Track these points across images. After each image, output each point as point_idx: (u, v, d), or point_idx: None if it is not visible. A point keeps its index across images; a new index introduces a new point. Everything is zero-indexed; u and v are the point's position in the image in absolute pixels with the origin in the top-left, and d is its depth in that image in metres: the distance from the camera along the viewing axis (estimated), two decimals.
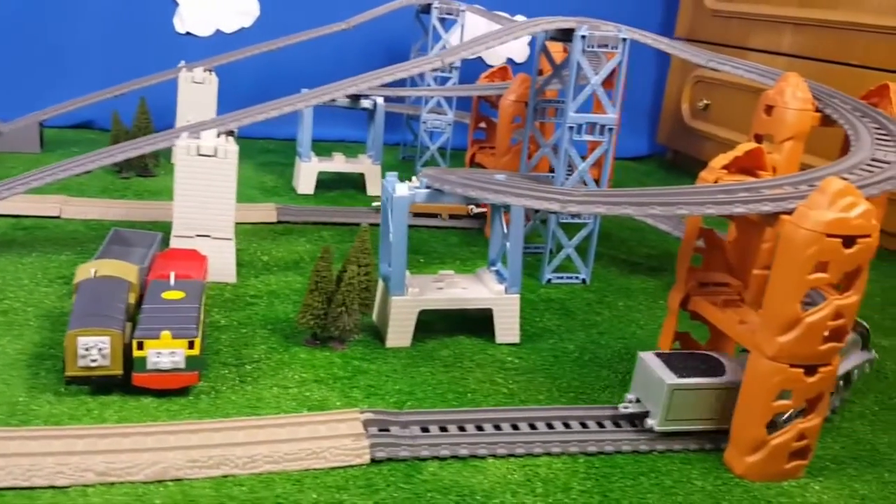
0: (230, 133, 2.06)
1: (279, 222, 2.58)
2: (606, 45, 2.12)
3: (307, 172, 2.94)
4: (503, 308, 1.86)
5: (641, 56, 4.06)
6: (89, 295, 1.54)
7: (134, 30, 3.51)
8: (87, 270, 1.64)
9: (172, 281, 1.66)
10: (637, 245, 2.73)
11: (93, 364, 1.42)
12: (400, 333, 1.80)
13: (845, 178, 1.52)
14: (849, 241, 1.30)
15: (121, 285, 1.60)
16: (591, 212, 1.46)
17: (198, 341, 1.48)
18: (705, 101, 3.63)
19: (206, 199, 1.99)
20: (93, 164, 2.00)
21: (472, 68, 3.63)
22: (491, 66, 3.71)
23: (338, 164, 2.99)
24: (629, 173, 3.84)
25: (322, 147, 3.53)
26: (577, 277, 2.33)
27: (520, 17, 3.87)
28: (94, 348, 1.42)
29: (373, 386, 1.62)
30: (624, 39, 2.12)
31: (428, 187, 1.77)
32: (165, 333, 1.46)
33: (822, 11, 2.92)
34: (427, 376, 1.68)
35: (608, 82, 2.21)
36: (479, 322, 1.91)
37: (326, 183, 3.03)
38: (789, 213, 1.36)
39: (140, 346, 1.45)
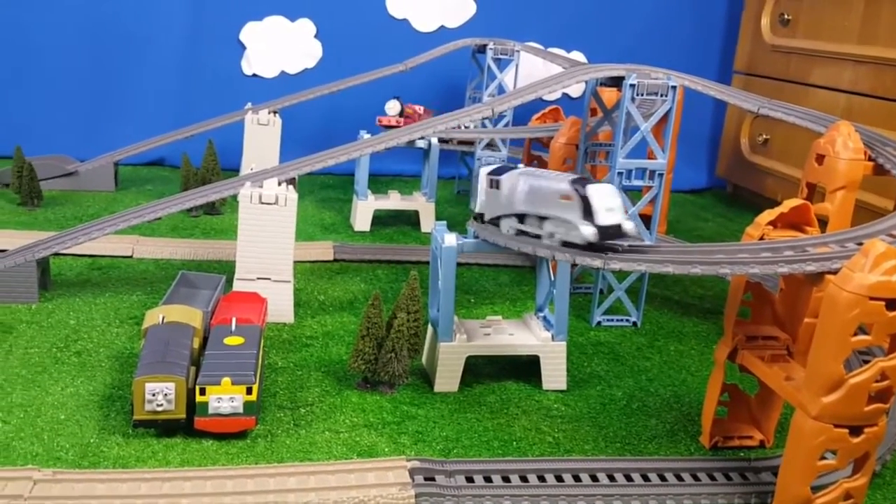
0: (291, 181, 2.16)
1: (336, 260, 2.68)
2: (656, 93, 2.14)
3: (364, 210, 3.03)
4: (550, 355, 1.89)
5: None
6: (157, 341, 1.64)
7: (204, 72, 3.69)
8: (156, 316, 1.74)
9: (233, 326, 1.75)
10: (691, 285, 2.72)
11: (158, 408, 1.52)
12: (448, 378, 1.85)
13: (893, 235, 1.52)
14: (892, 303, 1.29)
15: (186, 331, 1.70)
16: (633, 269, 1.48)
17: (255, 387, 1.56)
18: (765, 136, 3.59)
19: (267, 244, 2.09)
20: (163, 212, 2.13)
21: (526, 104, 3.69)
22: (547, 102, 3.77)
23: (393, 201, 3.08)
24: (687, 207, 3.81)
25: (380, 182, 3.64)
26: (627, 320, 2.34)
27: (576, 54, 3.93)
28: (160, 394, 1.51)
29: (420, 432, 1.67)
30: (673, 87, 2.14)
31: (476, 237, 1.83)
32: (226, 380, 1.54)
33: (882, 49, 2.87)
34: (473, 423, 1.73)
35: (659, 126, 2.24)
36: (526, 366, 1.95)
37: (382, 219, 3.12)
38: (834, 272, 1.36)
39: (202, 392, 1.54)
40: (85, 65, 3.61)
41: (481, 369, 1.96)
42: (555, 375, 1.90)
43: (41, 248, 2.09)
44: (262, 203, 2.06)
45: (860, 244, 1.48)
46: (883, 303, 1.29)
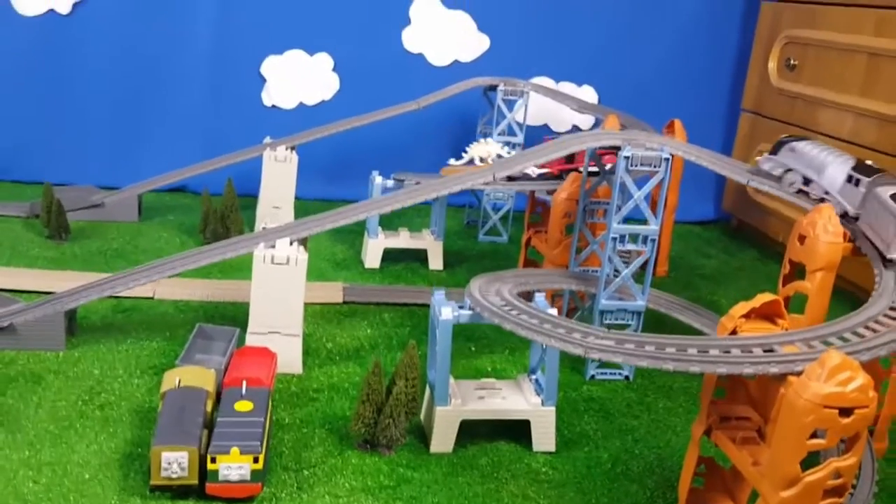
0: (302, 241, 2.28)
1: (345, 303, 2.81)
2: (650, 164, 2.24)
3: (374, 248, 3.16)
4: (539, 420, 2.01)
5: (710, 119, 4.13)
6: (173, 407, 1.78)
7: (227, 103, 3.84)
8: (172, 379, 1.89)
9: (244, 390, 1.89)
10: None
11: (173, 476, 1.66)
12: (443, 440, 1.98)
13: (857, 333, 1.62)
14: (846, 411, 1.40)
15: (199, 395, 1.84)
16: (611, 360, 1.61)
17: (262, 456, 1.70)
18: None
19: (278, 301, 2.22)
20: (182, 267, 2.26)
21: (537, 139, 3.79)
22: (557, 133, 3.87)
23: (403, 239, 3.21)
24: (692, 241, 3.90)
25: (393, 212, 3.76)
26: (620, 374, 2.45)
27: (587, 89, 4.02)
28: (174, 462, 1.65)
29: (414, 497, 1.80)
30: (666, 159, 2.23)
31: (471, 309, 1.95)
32: (234, 449, 1.68)
33: (883, 105, 2.93)
34: (464, 487, 1.85)
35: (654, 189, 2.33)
36: (519, 425, 2.07)
37: (392, 255, 3.24)
38: (797, 374, 1.47)
39: (213, 461, 1.68)
40: (110, 94, 3.77)
41: (477, 429, 2.08)
42: (544, 438, 2.02)
43: (69, 300, 2.24)
44: (275, 264, 2.19)
45: (827, 343, 1.59)
46: (836, 411, 1.40)
